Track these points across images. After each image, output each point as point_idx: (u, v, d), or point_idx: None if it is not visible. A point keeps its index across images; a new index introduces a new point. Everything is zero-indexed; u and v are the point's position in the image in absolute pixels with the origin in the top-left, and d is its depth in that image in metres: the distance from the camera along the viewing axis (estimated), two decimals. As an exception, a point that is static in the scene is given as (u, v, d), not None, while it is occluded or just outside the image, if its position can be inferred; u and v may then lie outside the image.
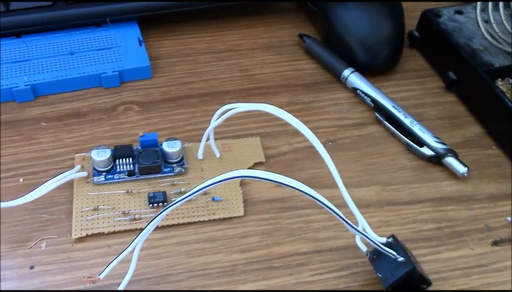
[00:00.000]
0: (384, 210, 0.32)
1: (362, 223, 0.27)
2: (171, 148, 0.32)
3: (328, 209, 0.24)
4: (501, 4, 0.37)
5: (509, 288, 0.29)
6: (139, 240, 0.26)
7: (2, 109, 0.37)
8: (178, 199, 0.24)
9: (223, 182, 0.23)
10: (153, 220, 0.25)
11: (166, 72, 0.40)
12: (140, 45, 0.40)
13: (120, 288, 0.27)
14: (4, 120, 0.36)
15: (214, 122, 0.31)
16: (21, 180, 0.33)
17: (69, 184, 0.32)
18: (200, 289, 0.28)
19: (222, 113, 0.31)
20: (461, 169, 0.34)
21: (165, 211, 0.25)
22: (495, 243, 0.31)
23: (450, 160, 0.34)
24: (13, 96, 0.37)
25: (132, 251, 0.26)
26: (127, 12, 0.41)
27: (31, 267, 0.29)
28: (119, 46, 0.40)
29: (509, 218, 0.32)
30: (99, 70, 0.38)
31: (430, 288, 0.28)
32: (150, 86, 0.39)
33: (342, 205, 0.26)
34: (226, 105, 0.30)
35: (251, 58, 0.42)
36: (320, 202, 0.24)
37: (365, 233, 0.26)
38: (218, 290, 0.28)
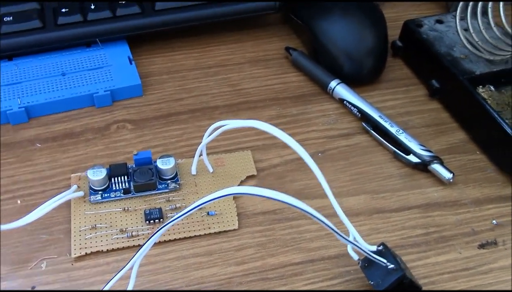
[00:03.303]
0: (373, 218, 0.33)
1: (353, 232, 0.28)
2: (165, 164, 0.33)
3: (319, 221, 0.25)
4: (479, 12, 0.38)
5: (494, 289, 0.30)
6: (138, 257, 0.27)
7: (-3, 132, 0.37)
8: (176, 216, 0.25)
9: (219, 198, 0.23)
10: (151, 237, 0.26)
11: (156, 89, 0.41)
12: (131, 63, 0.41)
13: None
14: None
15: (206, 139, 0.32)
16: (19, 201, 0.33)
17: (67, 204, 0.33)
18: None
19: (214, 130, 0.32)
20: (446, 175, 0.35)
21: (163, 228, 0.26)
22: (481, 246, 0.32)
23: (436, 167, 0.35)
24: (7, 119, 0.38)
25: (131, 268, 0.27)
26: (116, 32, 0.42)
27: (33, 288, 0.29)
28: (110, 66, 0.41)
29: (494, 221, 0.33)
30: (91, 90, 0.39)
31: (420, 293, 0.29)
32: (142, 104, 0.40)
33: (333, 215, 0.27)
34: (218, 122, 0.31)
35: (239, 73, 0.43)
36: (313, 215, 0.25)
37: (355, 243, 0.27)
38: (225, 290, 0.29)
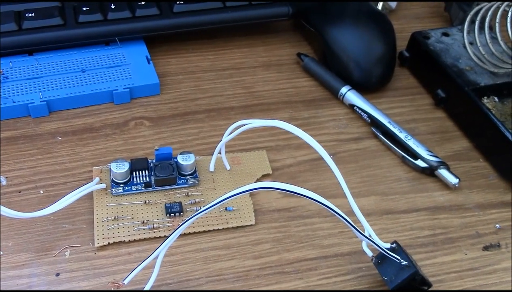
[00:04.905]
0: (383, 218, 0.35)
1: (368, 229, 0.29)
2: (185, 160, 0.35)
3: (341, 218, 0.27)
4: (486, 27, 0.40)
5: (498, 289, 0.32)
6: (164, 247, 0.28)
7: (18, 124, 0.38)
8: (202, 209, 0.26)
9: (254, 190, 0.25)
10: (179, 227, 0.27)
11: (173, 89, 0.42)
12: (149, 63, 0.42)
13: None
14: (21, 135, 0.38)
15: (227, 137, 0.34)
16: (41, 191, 0.34)
17: (88, 196, 0.34)
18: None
19: (235, 129, 0.33)
20: (453, 180, 0.36)
21: (190, 219, 0.27)
22: (485, 248, 0.34)
23: (443, 172, 0.37)
24: (28, 111, 0.39)
25: (155, 258, 0.28)
26: (135, 32, 0.43)
27: (57, 275, 0.30)
28: (128, 64, 0.42)
29: (497, 225, 0.35)
30: (111, 87, 0.40)
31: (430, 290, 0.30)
32: (159, 103, 0.41)
33: (347, 214, 0.29)
34: (239, 121, 0.32)
35: (253, 76, 0.44)
36: (338, 214, 0.26)
37: (372, 239, 0.29)
38: (236, 290, 0.30)
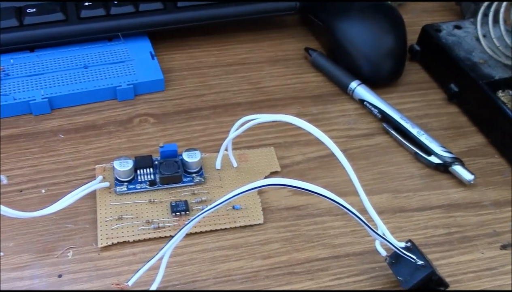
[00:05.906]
0: (396, 217, 0.34)
1: (382, 228, 0.28)
2: (191, 158, 0.33)
3: (354, 216, 0.26)
4: (501, 19, 0.39)
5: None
6: (169, 247, 0.27)
7: (19, 122, 0.37)
8: (209, 207, 0.25)
9: (265, 187, 0.24)
10: (185, 225, 0.26)
11: (177, 85, 0.41)
12: (153, 59, 0.41)
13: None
14: (22, 133, 0.37)
15: (234, 133, 0.32)
16: (43, 190, 0.33)
17: (91, 195, 0.33)
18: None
19: (242, 124, 0.32)
20: (468, 176, 0.35)
21: (196, 218, 0.26)
22: (503, 247, 0.32)
23: (457, 168, 0.36)
24: (29, 109, 0.38)
25: (160, 259, 0.27)
26: (138, 27, 0.42)
27: (60, 276, 0.29)
28: (132, 60, 0.41)
29: (515, 223, 0.34)
30: (114, 83, 0.39)
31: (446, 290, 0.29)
32: (163, 99, 0.40)
33: (359, 212, 0.28)
34: (247, 116, 0.31)
35: (259, 72, 0.43)
36: (353, 213, 0.25)
37: (386, 238, 0.28)
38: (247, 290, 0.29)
